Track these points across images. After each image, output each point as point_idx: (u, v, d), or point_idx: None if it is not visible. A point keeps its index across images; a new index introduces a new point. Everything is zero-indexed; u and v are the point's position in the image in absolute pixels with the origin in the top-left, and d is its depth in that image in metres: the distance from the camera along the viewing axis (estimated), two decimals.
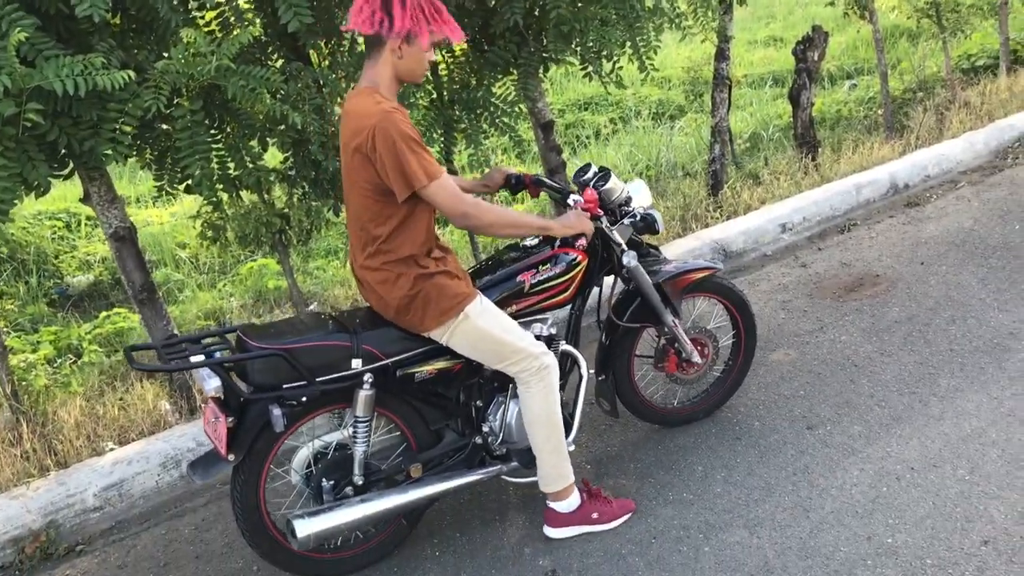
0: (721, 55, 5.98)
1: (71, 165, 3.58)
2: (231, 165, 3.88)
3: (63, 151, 3.45)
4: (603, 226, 3.13)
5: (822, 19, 9.75)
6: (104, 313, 5.54)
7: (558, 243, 3.08)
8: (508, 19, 4.10)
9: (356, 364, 2.72)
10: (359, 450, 2.84)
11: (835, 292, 4.70)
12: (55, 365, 4.92)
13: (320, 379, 2.69)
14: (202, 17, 3.72)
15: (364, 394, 2.78)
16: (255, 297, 5.73)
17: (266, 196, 4.35)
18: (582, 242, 3.03)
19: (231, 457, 2.67)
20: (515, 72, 4.51)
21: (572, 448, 3.07)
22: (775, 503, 3.12)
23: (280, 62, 3.98)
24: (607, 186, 3.14)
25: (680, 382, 3.59)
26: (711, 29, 4.94)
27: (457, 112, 4.56)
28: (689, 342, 3.45)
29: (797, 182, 6.06)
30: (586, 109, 9.38)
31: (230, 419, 2.63)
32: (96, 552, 3.38)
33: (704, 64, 9.25)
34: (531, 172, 3.51)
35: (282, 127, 3.89)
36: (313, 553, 2.91)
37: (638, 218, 3.20)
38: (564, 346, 3.16)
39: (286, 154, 4.17)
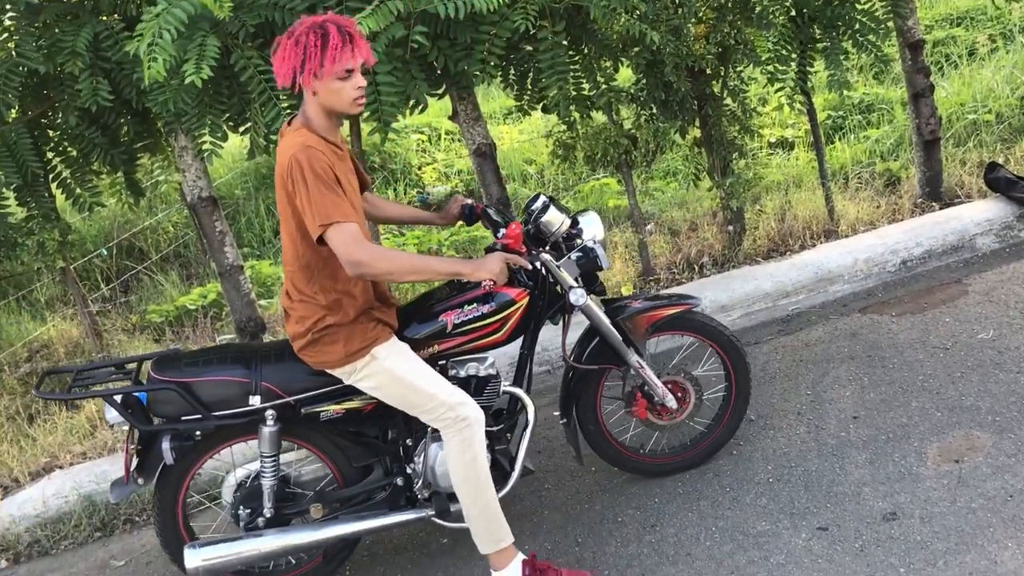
0: None
1: (444, 86, 3.90)
2: (585, 86, 4.02)
3: (439, 72, 3.76)
4: (548, 262, 2.84)
5: None
6: (459, 223, 6.00)
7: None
8: None
9: (255, 401, 2.67)
10: (266, 484, 2.79)
11: None
12: None
13: (217, 413, 2.68)
14: None
15: (267, 431, 2.72)
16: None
17: (615, 117, 4.46)
18: (487, 283, 2.66)
19: (140, 481, 2.74)
20: None
21: (502, 494, 2.78)
22: None
23: None
24: (545, 218, 2.84)
25: (657, 428, 3.20)
26: None
27: (816, 31, 4.33)
28: (660, 385, 3.05)
29: None
30: (959, 24, 8.45)
31: (131, 446, 2.73)
32: None
33: None
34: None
35: (637, 48, 3.94)
36: None
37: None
38: (508, 387, 2.90)
39: (638, 75, 4.23)
